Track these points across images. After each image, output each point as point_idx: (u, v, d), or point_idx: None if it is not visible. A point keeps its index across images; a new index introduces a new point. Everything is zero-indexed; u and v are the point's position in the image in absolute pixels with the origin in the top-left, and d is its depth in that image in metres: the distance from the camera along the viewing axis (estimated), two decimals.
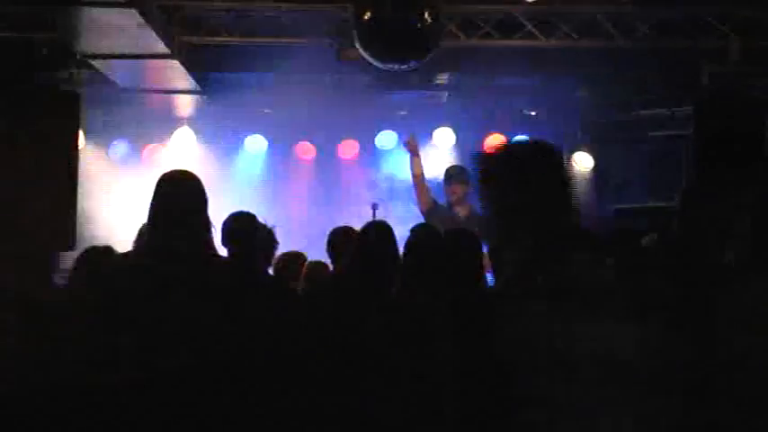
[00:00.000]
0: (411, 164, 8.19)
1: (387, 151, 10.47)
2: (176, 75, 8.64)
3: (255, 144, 10.41)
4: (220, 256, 4.36)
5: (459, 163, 9.57)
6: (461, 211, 8.08)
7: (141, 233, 4.98)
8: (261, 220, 5.28)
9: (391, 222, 5.58)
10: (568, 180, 2.74)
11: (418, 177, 8.23)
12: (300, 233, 6.77)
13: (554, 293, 2.65)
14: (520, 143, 2.95)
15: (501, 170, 2.69)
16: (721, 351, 3.90)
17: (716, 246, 4.70)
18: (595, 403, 2.60)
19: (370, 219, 6.00)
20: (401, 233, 4.99)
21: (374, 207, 6.82)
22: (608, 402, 2.61)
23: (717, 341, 3.93)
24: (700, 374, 3.68)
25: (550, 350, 2.64)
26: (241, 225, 4.89)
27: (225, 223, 4.77)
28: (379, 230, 4.77)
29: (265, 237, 5.22)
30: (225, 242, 4.73)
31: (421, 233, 4.83)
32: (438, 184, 8.70)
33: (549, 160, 2.70)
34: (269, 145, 10.40)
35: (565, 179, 2.73)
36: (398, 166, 10.05)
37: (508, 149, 2.82)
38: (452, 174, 8.27)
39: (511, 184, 2.67)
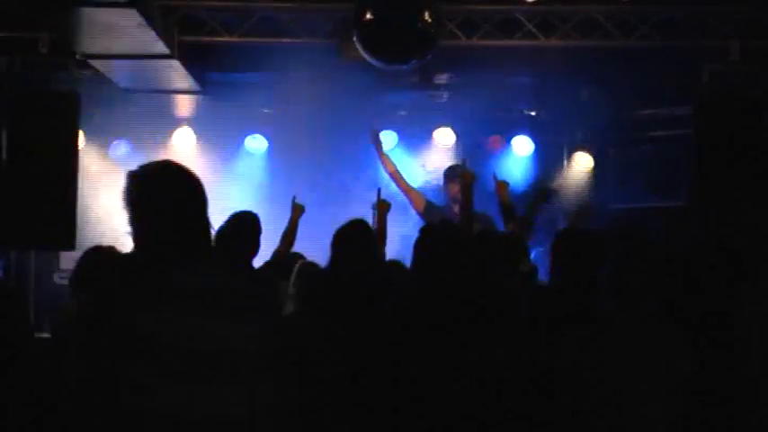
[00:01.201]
0: (381, 163, 8.14)
1: (387, 151, 10.45)
2: (176, 75, 8.63)
3: (255, 144, 10.40)
4: (219, 257, 4.36)
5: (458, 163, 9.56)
6: (458, 210, 8.08)
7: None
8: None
9: (391, 223, 5.61)
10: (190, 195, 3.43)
11: (395, 174, 8.19)
12: (300, 233, 6.75)
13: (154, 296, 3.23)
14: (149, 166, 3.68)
15: (133, 188, 3.43)
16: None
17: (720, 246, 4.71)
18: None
19: (370, 219, 5.98)
20: (402, 233, 5.02)
21: (374, 207, 6.81)
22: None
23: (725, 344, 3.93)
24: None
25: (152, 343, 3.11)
26: (243, 225, 4.89)
27: (227, 221, 4.77)
28: (350, 230, 4.84)
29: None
30: (225, 241, 4.72)
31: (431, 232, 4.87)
32: (437, 185, 8.70)
33: (168, 179, 3.41)
34: (269, 145, 10.39)
35: (188, 194, 3.44)
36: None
37: (138, 171, 3.56)
38: (452, 172, 8.27)
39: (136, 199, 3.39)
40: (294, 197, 6.55)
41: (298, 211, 6.53)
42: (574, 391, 3.80)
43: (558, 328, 4.08)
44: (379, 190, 6.11)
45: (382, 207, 5.95)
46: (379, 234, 5.71)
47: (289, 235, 6.05)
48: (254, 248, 4.91)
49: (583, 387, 3.78)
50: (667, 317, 3.90)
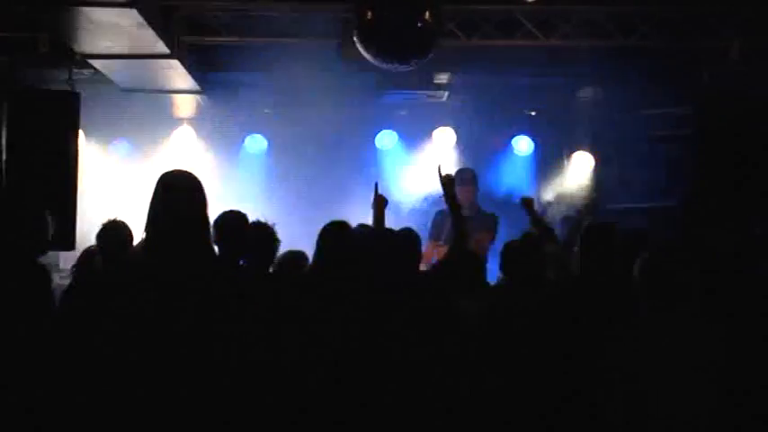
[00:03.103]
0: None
1: (387, 151, 10.47)
2: (176, 75, 8.63)
3: (255, 144, 10.41)
4: (219, 256, 4.36)
5: (459, 163, 9.57)
6: (465, 212, 8.08)
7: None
8: (262, 219, 5.27)
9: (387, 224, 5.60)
10: None
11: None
12: (301, 233, 6.74)
13: None
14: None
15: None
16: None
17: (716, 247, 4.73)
18: None
19: (370, 218, 5.97)
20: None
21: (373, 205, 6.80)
22: None
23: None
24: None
25: None
26: (230, 223, 4.88)
27: (215, 222, 4.75)
28: (330, 230, 4.86)
29: (265, 236, 5.20)
30: (215, 240, 4.70)
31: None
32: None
33: None
34: (269, 145, 10.40)
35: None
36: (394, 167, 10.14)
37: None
38: (463, 177, 8.26)
39: None
40: (376, 184, 5.90)
41: (381, 202, 5.83)
42: (614, 387, 3.80)
43: (595, 326, 4.10)
44: (376, 184, 6.00)
45: (380, 202, 5.87)
46: (377, 229, 5.68)
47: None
48: (240, 247, 4.88)
49: (622, 383, 3.77)
50: (702, 313, 3.88)
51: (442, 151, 10.21)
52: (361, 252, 4.75)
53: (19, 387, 4.10)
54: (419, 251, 5.22)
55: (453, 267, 5.39)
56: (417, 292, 4.72)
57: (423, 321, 4.47)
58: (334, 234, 4.87)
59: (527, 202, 6.64)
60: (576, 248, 6.16)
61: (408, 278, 4.84)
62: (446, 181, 5.99)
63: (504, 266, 5.73)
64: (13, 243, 4.38)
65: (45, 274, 4.49)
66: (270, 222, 5.26)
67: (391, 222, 5.79)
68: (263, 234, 5.18)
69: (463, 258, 5.58)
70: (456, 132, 10.31)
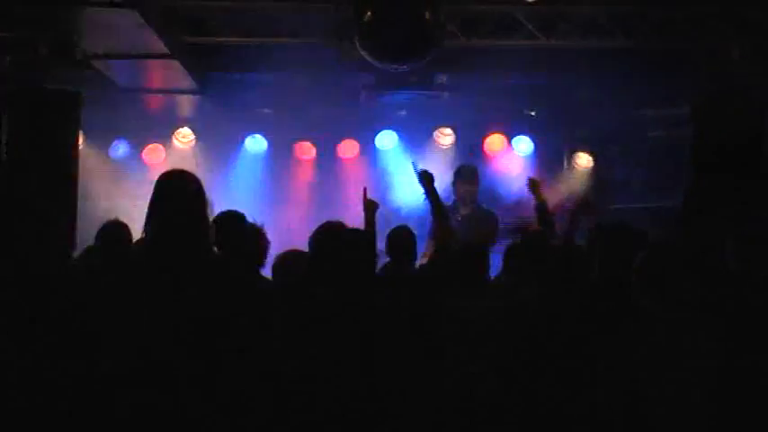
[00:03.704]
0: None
1: (387, 151, 10.47)
2: (176, 75, 8.63)
3: (255, 144, 10.41)
4: (218, 256, 4.36)
5: (459, 163, 9.55)
6: (463, 210, 8.09)
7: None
8: (250, 219, 5.28)
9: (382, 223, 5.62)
10: None
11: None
12: (300, 233, 6.75)
13: None
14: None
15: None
16: None
17: (716, 247, 4.73)
18: None
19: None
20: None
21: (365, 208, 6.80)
22: None
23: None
24: None
25: None
26: (229, 223, 4.89)
27: (213, 222, 4.76)
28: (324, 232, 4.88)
29: (254, 236, 5.20)
30: (214, 240, 4.71)
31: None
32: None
33: None
34: (269, 145, 10.40)
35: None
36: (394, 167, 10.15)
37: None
38: (464, 173, 8.26)
39: None
40: (365, 189, 5.82)
41: (371, 207, 5.75)
42: (614, 387, 3.80)
43: (596, 326, 4.10)
44: (365, 189, 5.95)
45: (370, 207, 5.83)
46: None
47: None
48: (239, 247, 4.88)
49: (622, 383, 3.78)
50: (702, 313, 3.88)
51: (441, 151, 10.23)
52: (356, 253, 4.74)
53: (22, 386, 4.10)
54: (414, 249, 5.24)
55: (447, 264, 5.40)
56: (413, 292, 4.72)
57: (421, 321, 4.47)
58: (329, 236, 4.87)
59: (534, 185, 6.57)
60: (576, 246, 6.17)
61: (404, 276, 4.84)
62: (424, 177, 5.96)
63: (506, 265, 5.73)
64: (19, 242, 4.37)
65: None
66: (258, 223, 5.26)
67: (391, 222, 5.80)
68: (254, 234, 5.18)
69: (464, 253, 5.59)
70: (456, 132, 10.32)
